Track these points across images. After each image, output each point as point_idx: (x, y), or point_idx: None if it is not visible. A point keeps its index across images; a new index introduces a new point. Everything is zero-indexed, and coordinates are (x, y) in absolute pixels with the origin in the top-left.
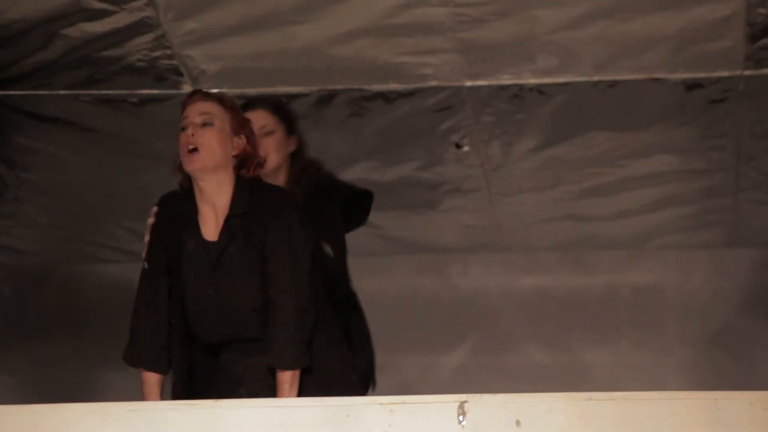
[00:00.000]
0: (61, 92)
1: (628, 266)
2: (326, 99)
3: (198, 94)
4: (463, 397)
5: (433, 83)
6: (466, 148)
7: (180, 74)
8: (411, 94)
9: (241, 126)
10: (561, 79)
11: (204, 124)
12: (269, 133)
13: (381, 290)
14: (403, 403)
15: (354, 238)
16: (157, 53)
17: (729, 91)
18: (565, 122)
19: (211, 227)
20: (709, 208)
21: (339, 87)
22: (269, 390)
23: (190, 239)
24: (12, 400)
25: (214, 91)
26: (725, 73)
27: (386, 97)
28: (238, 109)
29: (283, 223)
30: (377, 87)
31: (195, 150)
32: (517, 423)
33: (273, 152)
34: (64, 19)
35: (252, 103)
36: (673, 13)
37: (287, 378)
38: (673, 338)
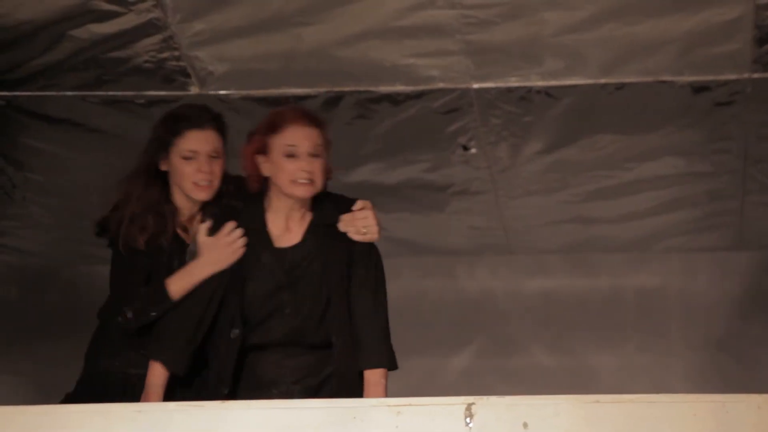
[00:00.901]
0: (69, 93)
1: (633, 269)
2: (333, 101)
3: (305, 119)
4: (470, 399)
5: (440, 85)
6: (473, 150)
7: (187, 75)
8: (418, 96)
9: (329, 147)
10: (568, 82)
11: (314, 155)
12: (217, 157)
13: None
14: (410, 404)
15: None
16: (164, 54)
17: (736, 94)
18: (572, 125)
19: (285, 235)
20: (715, 211)
21: (346, 89)
22: (306, 393)
23: (262, 247)
24: (15, 400)
25: (222, 93)
26: (732, 76)
27: (393, 99)
28: (327, 130)
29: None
30: (384, 89)
31: (311, 181)
32: (524, 425)
33: (218, 177)
34: (72, 20)
35: (196, 120)
36: (681, 16)
37: (380, 377)
38: (678, 341)
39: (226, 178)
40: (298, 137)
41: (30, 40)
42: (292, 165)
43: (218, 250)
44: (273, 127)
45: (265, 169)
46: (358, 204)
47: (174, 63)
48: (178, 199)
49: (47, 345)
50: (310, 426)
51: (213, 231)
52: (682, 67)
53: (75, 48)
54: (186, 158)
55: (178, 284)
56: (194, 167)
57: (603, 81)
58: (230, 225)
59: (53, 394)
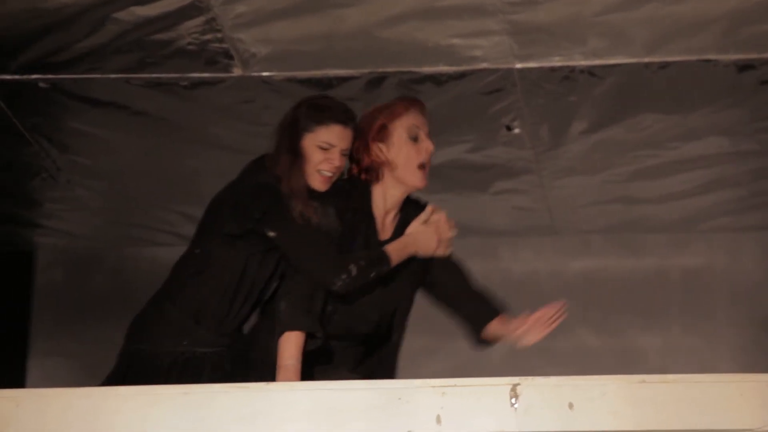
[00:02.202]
0: (113, 76)
1: (678, 249)
2: (376, 82)
3: (419, 104)
4: (515, 379)
5: (483, 65)
6: (516, 131)
7: (230, 57)
8: (461, 76)
9: None
10: (612, 61)
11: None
12: (346, 155)
13: None
14: (455, 386)
15: None
16: (207, 36)
17: None
18: (616, 104)
19: (381, 230)
20: (760, 191)
21: (389, 70)
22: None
23: (369, 236)
24: (65, 382)
25: (264, 74)
26: None
27: (436, 80)
28: None
29: None
30: (427, 69)
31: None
32: (570, 406)
33: (339, 172)
34: (115, 2)
35: (342, 117)
36: None
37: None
38: (724, 321)
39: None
40: (420, 122)
41: (73, 23)
42: (415, 147)
43: (437, 234)
44: (394, 113)
45: (384, 155)
46: (429, 208)
47: (217, 45)
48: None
49: (94, 327)
50: (356, 407)
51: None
52: (727, 46)
53: (118, 31)
54: (322, 148)
55: (397, 253)
56: (326, 157)
57: (647, 60)
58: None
59: (99, 375)
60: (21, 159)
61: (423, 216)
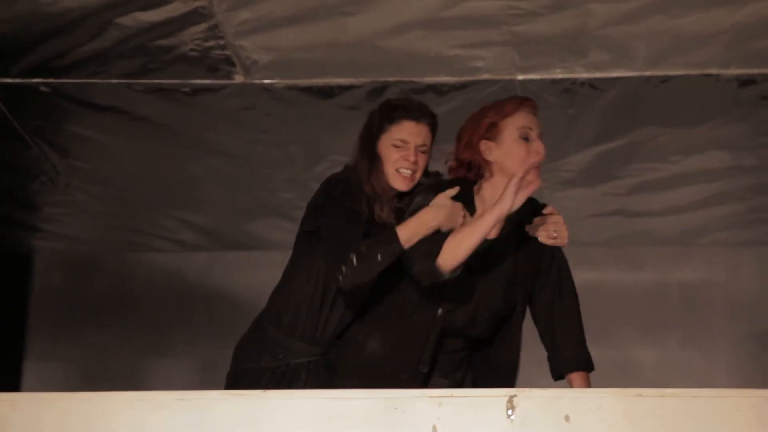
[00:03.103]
0: (114, 81)
1: (677, 263)
2: (378, 91)
3: (531, 103)
4: (512, 391)
5: (485, 76)
6: None
7: (232, 64)
8: (463, 86)
9: None
10: (613, 74)
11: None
12: (425, 152)
13: None
14: (452, 396)
15: None
16: (210, 43)
17: None
18: (617, 117)
19: None
20: (760, 205)
21: (391, 79)
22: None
23: None
24: (61, 386)
25: (266, 81)
26: None
27: (438, 90)
28: None
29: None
30: (429, 79)
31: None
32: (566, 418)
33: (421, 171)
34: (118, 7)
35: (415, 113)
36: (727, 9)
37: (585, 381)
38: (721, 336)
39: (426, 173)
40: (531, 121)
41: (76, 28)
42: (526, 147)
43: (448, 209)
44: (504, 112)
45: (492, 154)
46: (549, 208)
47: (219, 52)
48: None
49: (91, 331)
50: (353, 416)
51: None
52: (729, 61)
53: (121, 36)
54: (396, 146)
55: (409, 232)
56: (402, 155)
57: (648, 74)
58: (455, 190)
59: (99, 380)
60: (21, 162)
61: (450, 191)
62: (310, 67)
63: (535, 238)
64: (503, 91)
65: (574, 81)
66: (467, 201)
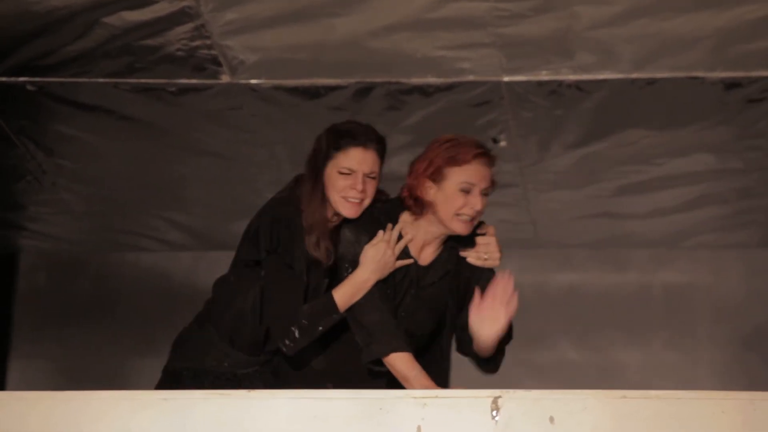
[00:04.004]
0: (100, 80)
1: (661, 265)
2: (364, 92)
3: (488, 157)
4: (496, 392)
5: (471, 78)
6: (502, 144)
7: (219, 64)
8: (449, 88)
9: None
10: (599, 76)
11: (484, 195)
12: (374, 178)
13: None
14: (437, 397)
15: None
16: (196, 43)
17: None
18: (603, 119)
19: (418, 254)
20: (745, 208)
21: (377, 80)
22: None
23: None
24: (46, 385)
25: (252, 82)
26: (764, 73)
27: (424, 91)
28: None
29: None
30: (415, 80)
31: (472, 219)
32: (551, 420)
33: (370, 197)
34: (104, 7)
35: (362, 139)
36: (713, 12)
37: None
38: (706, 338)
39: (377, 196)
40: (479, 176)
41: (62, 27)
42: (463, 200)
43: (378, 260)
44: (457, 160)
45: (431, 195)
46: (483, 228)
47: (205, 51)
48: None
49: (77, 331)
50: (337, 416)
51: (365, 239)
52: (715, 64)
53: (107, 35)
54: (342, 173)
55: (345, 297)
56: (349, 183)
57: (634, 76)
58: (391, 228)
59: (84, 380)
60: (6, 162)
61: (374, 240)
62: (296, 67)
63: (467, 268)
64: (489, 93)
65: (560, 83)
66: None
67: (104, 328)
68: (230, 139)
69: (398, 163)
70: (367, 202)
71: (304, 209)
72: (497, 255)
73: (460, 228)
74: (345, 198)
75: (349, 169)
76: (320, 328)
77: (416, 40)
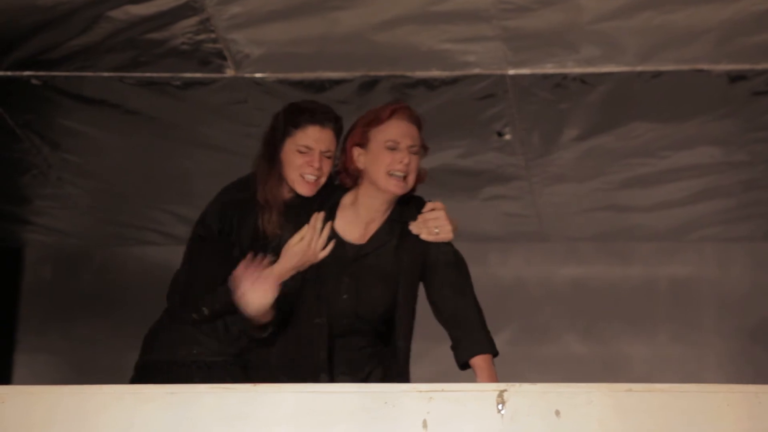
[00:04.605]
0: (105, 74)
1: (666, 258)
2: (369, 85)
3: (406, 112)
4: (502, 385)
5: (476, 71)
6: (507, 137)
7: (224, 58)
8: (454, 81)
9: (425, 149)
10: (604, 69)
11: (413, 153)
12: (329, 157)
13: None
14: (443, 390)
15: None
16: (201, 37)
17: None
18: (608, 112)
19: (357, 231)
20: (750, 201)
21: (382, 73)
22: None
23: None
24: (52, 379)
25: (257, 75)
26: None
27: (429, 84)
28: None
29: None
30: (420, 74)
31: (405, 177)
32: (557, 413)
33: (325, 176)
34: (109, 1)
35: (320, 117)
36: (718, 5)
37: (488, 363)
38: (711, 331)
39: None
40: (396, 128)
41: (67, 21)
42: (390, 157)
43: (299, 254)
44: (377, 120)
45: (361, 161)
46: (428, 205)
47: (210, 45)
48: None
49: (82, 324)
50: (342, 410)
51: (289, 234)
52: (719, 56)
53: (112, 29)
54: (300, 152)
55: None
56: (306, 160)
57: (639, 69)
58: (317, 216)
59: (89, 373)
60: (12, 156)
61: (295, 237)
62: (301, 61)
63: (418, 241)
64: (494, 86)
65: (565, 76)
66: (329, 207)
67: (110, 322)
68: (235, 132)
69: None
70: (322, 180)
71: (260, 186)
72: (449, 227)
73: (395, 187)
74: (302, 176)
75: (307, 147)
76: (224, 312)
77: (421, 34)
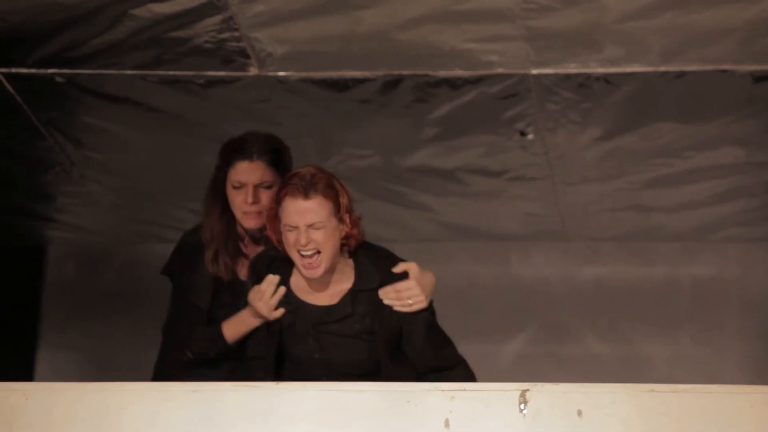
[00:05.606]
0: (129, 72)
1: (689, 258)
2: (392, 84)
3: (298, 193)
4: (524, 385)
5: (499, 70)
6: (530, 136)
7: (247, 56)
8: (477, 80)
9: (341, 207)
10: (628, 69)
11: (315, 229)
12: (269, 187)
13: (440, 277)
14: (465, 390)
15: (414, 224)
16: (224, 35)
17: None
18: (631, 112)
19: (320, 293)
20: None
21: (405, 72)
22: None
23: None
24: (73, 376)
25: (280, 74)
26: None
27: (452, 84)
28: (335, 191)
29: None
30: (443, 73)
31: (316, 253)
32: (579, 413)
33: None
34: None
35: (248, 152)
36: (742, 5)
37: None
38: (733, 332)
39: None
40: (294, 211)
41: (91, 19)
42: (291, 236)
43: (260, 303)
44: (276, 200)
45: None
46: (400, 267)
47: (234, 44)
48: (239, 227)
49: (104, 322)
50: (364, 409)
51: (255, 281)
52: (743, 57)
53: (135, 27)
54: (235, 188)
55: (232, 331)
56: (241, 197)
57: (663, 69)
58: (269, 279)
59: (111, 370)
60: (35, 153)
61: (254, 290)
62: (324, 59)
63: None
64: (517, 85)
65: (588, 76)
66: (287, 268)
67: (132, 319)
68: (258, 131)
69: (427, 156)
70: (264, 212)
71: (204, 224)
72: (422, 297)
73: (309, 266)
74: (243, 212)
75: (240, 183)
76: (211, 353)
77: (444, 33)
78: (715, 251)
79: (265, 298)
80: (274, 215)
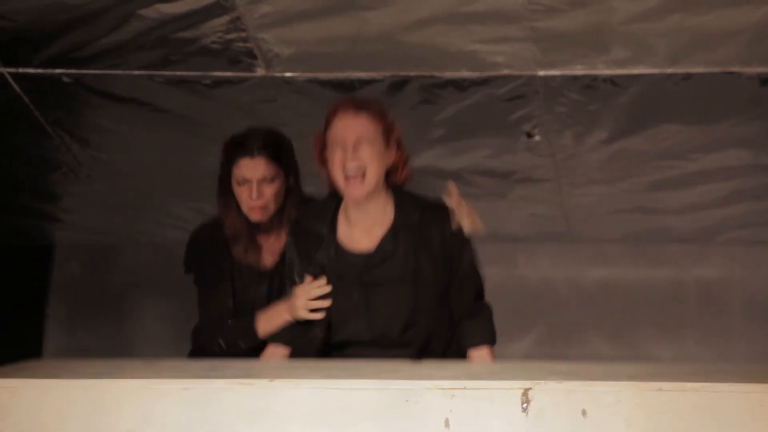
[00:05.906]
0: (136, 72)
1: (695, 260)
2: (398, 85)
3: (349, 106)
4: (527, 384)
5: (505, 72)
6: (537, 138)
7: (254, 57)
8: (483, 82)
9: (391, 133)
10: (634, 71)
11: (363, 144)
12: (272, 182)
13: None
14: (465, 388)
15: None
16: (231, 36)
17: None
18: (638, 114)
19: (360, 238)
20: None
21: (411, 73)
22: None
23: (331, 251)
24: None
25: (287, 75)
26: None
27: (458, 85)
28: (386, 116)
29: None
30: (449, 74)
31: (361, 175)
32: (583, 413)
33: (272, 200)
34: None
35: (249, 149)
36: (749, 7)
37: (485, 354)
38: (738, 334)
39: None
40: (341, 126)
41: (98, 19)
42: (337, 155)
43: (301, 300)
44: (326, 122)
45: (327, 169)
46: (450, 187)
47: (241, 44)
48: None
49: (110, 322)
50: (362, 407)
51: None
52: (750, 59)
53: (142, 27)
54: (240, 184)
55: (265, 325)
56: (246, 193)
57: (669, 71)
58: (320, 284)
59: None
60: (42, 153)
61: (298, 292)
62: (331, 60)
63: (434, 240)
64: (524, 87)
65: (595, 77)
66: (328, 218)
67: (137, 319)
68: (259, 126)
69: (434, 157)
70: (272, 205)
71: (224, 222)
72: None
73: (352, 188)
74: (249, 207)
75: (244, 179)
76: (242, 344)
77: (450, 34)
78: (721, 253)
79: (309, 296)
80: (322, 144)
